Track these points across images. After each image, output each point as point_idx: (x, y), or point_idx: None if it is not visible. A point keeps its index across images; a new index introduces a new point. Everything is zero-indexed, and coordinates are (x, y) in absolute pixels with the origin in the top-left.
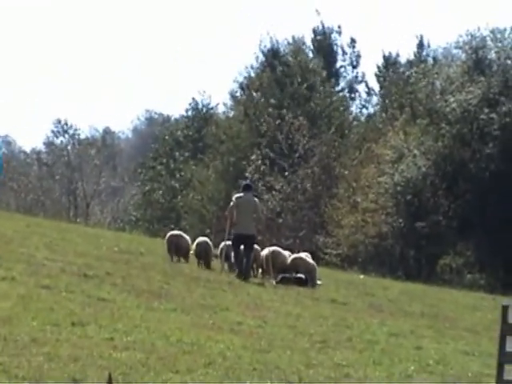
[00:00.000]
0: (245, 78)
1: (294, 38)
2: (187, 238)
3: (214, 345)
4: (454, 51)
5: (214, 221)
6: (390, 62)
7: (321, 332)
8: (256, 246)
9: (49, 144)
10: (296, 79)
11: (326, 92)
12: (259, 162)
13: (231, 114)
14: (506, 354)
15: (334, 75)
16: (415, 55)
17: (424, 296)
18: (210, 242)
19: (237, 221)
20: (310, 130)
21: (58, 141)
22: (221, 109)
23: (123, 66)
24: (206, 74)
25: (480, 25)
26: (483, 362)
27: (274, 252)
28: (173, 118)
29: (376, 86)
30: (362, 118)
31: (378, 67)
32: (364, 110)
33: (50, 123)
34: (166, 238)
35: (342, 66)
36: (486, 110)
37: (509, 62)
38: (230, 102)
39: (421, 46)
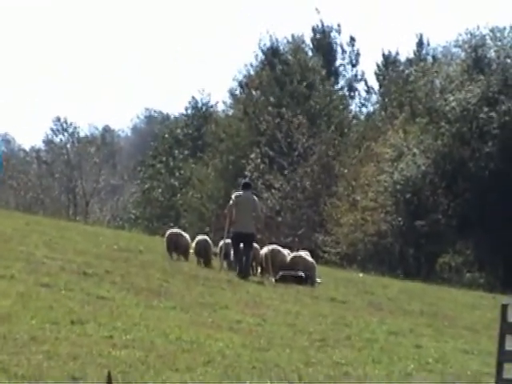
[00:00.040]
0: (244, 76)
1: (293, 36)
2: (187, 236)
3: (214, 343)
4: (454, 50)
5: (213, 219)
6: (389, 61)
7: (320, 330)
8: (255, 245)
9: (48, 142)
10: (295, 78)
11: (325, 90)
12: (259, 160)
13: (231, 112)
14: (506, 352)
15: (334, 74)
16: (415, 54)
17: (423, 294)
18: (209, 241)
19: (236, 219)
20: (310, 128)
21: (57, 139)
22: (220, 107)
23: (123, 65)
24: (206, 73)
25: (479, 23)
26: (482, 360)
27: (273, 250)
28: (172, 117)
29: (375, 85)
30: (362, 117)
31: (378, 66)
32: (363, 109)
33: (50, 121)
34: (166, 236)
35: (341, 65)
36: (486, 109)
37: (508, 60)
38: (229, 101)
39: (420, 44)
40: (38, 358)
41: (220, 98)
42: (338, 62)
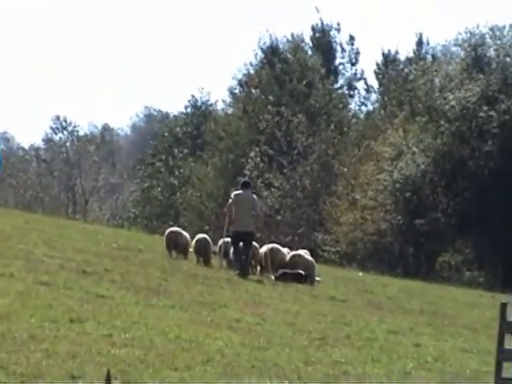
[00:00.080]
0: (244, 75)
1: (293, 35)
2: (186, 234)
3: (213, 342)
4: (453, 49)
5: (212, 218)
6: (389, 60)
7: (319, 329)
8: (254, 243)
9: (47, 140)
10: (295, 76)
11: (325, 89)
12: (258, 159)
13: (230, 110)
14: (505, 351)
15: (333, 72)
16: (414, 53)
17: (423, 293)
18: (209, 239)
19: (235, 218)
20: (309, 127)
21: (56, 137)
22: (220, 106)
23: (122, 63)
24: (205, 71)
25: (479, 22)
26: (482, 359)
27: (272, 249)
28: (172, 115)
29: (375, 84)
30: (361, 116)
31: (377, 64)
32: (363, 108)
33: (49, 120)
34: (165, 234)
35: (341, 64)
36: (485, 108)
37: (508, 59)
38: (228, 99)
39: (420, 43)
40: (36, 357)
41: (219, 96)
42: (337, 61)
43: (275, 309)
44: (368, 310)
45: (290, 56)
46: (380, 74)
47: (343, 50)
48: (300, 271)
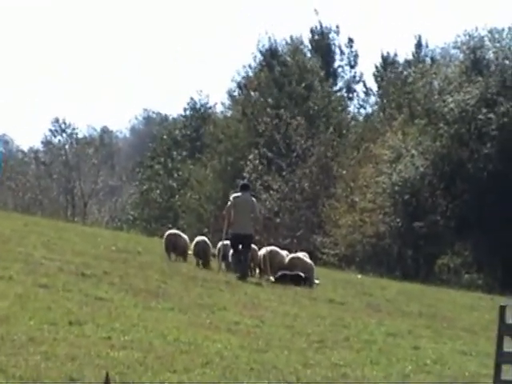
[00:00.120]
0: (243, 77)
1: (291, 37)
2: (185, 237)
3: (212, 344)
4: (452, 51)
5: (211, 220)
6: (388, 62)
7: (318, 332)
8: (253, 246)
9: (47, 143)
10: (294, 79)
11: (323, 92)
12: (257, 161)
13: (229, 113)
14: (504, 354)
15: (332, 75)
16: (413, 55)
17: (422, 296)
18: (208, 242)
19: (234, 220)
20: (308, 129)
21: (55, 140)
22: (219, 108)
23: (121, 66)
24: (204, 74)
25: (478, 25)
26: (481, 361)
27: (271, 252)
28: (171, 118)
29: (374, 86)
30: (360, 118)
31: (376, 67)
32: (362, 110)
33: (48, 122)
34: (164, 236)
35: (339, 66)
36: (484, 110)
37: (507, 62)
38: (227, 102)
39: (419, 45)
40: (35, 359)
41: (218, 99)
42: (336, 64)
43: (274, 311)
44: (367, 312)
45: (288, 58)
46: (379, 76)
47: (342, 53)
48: (299, 273)
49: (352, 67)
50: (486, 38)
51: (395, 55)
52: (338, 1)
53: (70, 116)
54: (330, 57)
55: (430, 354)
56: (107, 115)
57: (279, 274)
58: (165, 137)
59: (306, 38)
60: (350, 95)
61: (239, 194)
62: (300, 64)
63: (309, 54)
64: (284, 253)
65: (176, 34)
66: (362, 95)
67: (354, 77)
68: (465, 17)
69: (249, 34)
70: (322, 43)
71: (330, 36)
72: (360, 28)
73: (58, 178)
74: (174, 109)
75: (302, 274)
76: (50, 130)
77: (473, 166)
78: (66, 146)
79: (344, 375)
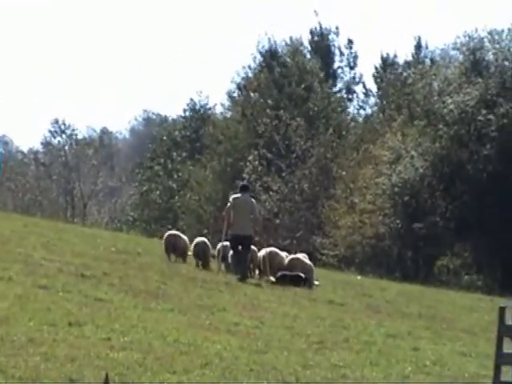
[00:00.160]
0: (242, 78)
1: (291, 38)
2: (185, 238)
3: (211, 345)
4: (452, 52)
5: (211, 221)
6: (387, 63)
7: (318, 333)
8: (253, 247)
9: (46, 144)
10: (294, 80)
11: (323, 93)
12: (256, 162)
13: (229, 114)
14: (503, 355)
15: (332, 76)
16: (413, 56)
17: (421, 297)
18: (208, 243)
19: (234, 221)
20: (308, 130)
21: (55, 141)
22: (218, 109)
23: (121, 66)
24: (204, 75)
25: (478, 26)
26: (480, 363)
27: (271, 253)
28: (170, 119)
29: (374, 87)
30: (360, 119)
31: (376, 68)
32: (362, 111)
33: (48, 123)
34: (164, 237)
35: (339, 67)
36: (484, 112)
37: (506, 63)
38: (227, 103)
39: (418, 47)
40: (35, 360)
41: (218, 100)
42: (336, 65)
43: (274, 312)
44: (366, 313)
45: (288, 60)
46: (378, 77)
47: (342, 54)
48: (299, 273)
49: (352, 68)
50: (485, 40)
51: (395, 56)
52: (337, 2)
53: (69, 117)
54: (330, 58)
55: (429, 355)
56: (107, 116)
57: (279, 274)
58: (164, 138)
59: (306, 39)
60: (350, 96)
61: (239, 195)
62: (300, 65)
63: (308, 55)
64: (283, 254)
65: (176, 34)
66: (361, 96)
67: (354, 78)
68: (464, 18)
69: (249, 35)
70: (322, 44)
71: (330, 37)
72: (360, 29)
73: (58, 179)
74: (174, 110)
75: (302, 275)
76: (50, 131)
77: (472, 167)
78: (66, 147)
79: (343, 376)
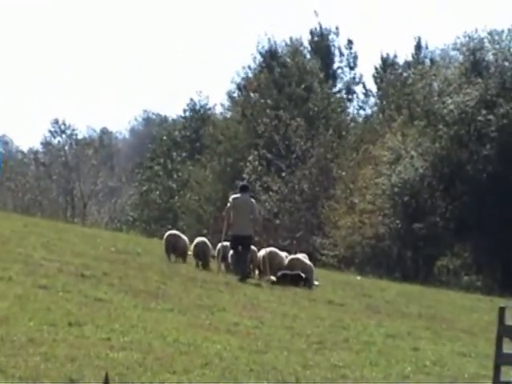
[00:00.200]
0: (242, 78)
1: (291, 39)
2: (185, 238)
3: (211, 345)
4: (452, 53)
5: (211, 221)
6: (387, 64)
7: (318, 333)
8: (253, 247)
9: (46, 144)
10: (293, 80)
11: (323, 93)
12: (256, 162)
13: (229, 114)
14: (503, 355)
15: (332, 76)
16: (413, 57)
17: (421, 297)
18: (208, 243)
19: (234, 222)
20: (308, 131)
21: (55, 141)
22: (218, 109)
23: (121, 66)
24: (204, 75)
25: (478, 26)
26: (480, 363)
27: (270, 253)
28: (170, 119)
29: (374, 88)
30: (360, 120)
31: (376, 68)
32: (361, 112)
33: (48, 123)
34: (164, 237)
35: (339, 67)
36: (484, 112)
37: (506, 63)
38: (227, 103)
39: (418, 47)
40: (35, 360)
41: (218, 100)
42: (336, 65)
43: (273, 312)
44: (366, 313)
45: (288, 60)
46: (378, 77)
47: (342, 54)
48: (300, 273)
49: (351, 69)
50: (485, 40)
51: (395, 57)
52: (337, 2)
53: (69, 117)
54: (330, 58)
55: (429, 355)
56: (107, 116)
57: (280, 273)
58: (164, 138)
59: (306, 39)
60: (350, 97)
61: (238, 195)
62: (300, 65)
63: (308, 56)
64: (283, 254)
65: (176, 34)
66: (361, 97)
67: (354, 78)
68: (464, 18)
69: (248, 35)
70: (322, 44)
71: (330, 37)
72: (360, 29)
73: (58, 179)
74: (174, 110)
75: (303, 275)
76: (50, 131)
77: (472, 168)
78: (66, 147)
79: (343, 376)
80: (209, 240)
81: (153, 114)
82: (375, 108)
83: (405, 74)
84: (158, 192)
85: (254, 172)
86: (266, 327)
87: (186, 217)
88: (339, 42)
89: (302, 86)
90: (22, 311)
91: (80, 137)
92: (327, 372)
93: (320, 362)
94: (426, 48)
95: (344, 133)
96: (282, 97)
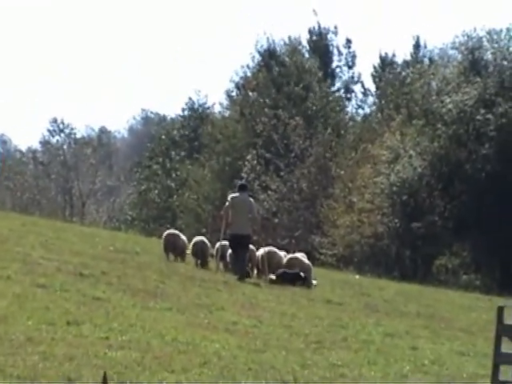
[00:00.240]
0: (241, 77)
1: (290, 38)
2: (184, 237)
3: (210, 344)
4: (451, 52)
5: (209, 220)
6: (386, 63)
7: (316, 332)
8: (251, 246)
9: (45, 143)
10: (292, 79)
11: (322, 92)
12: (255, 161)
13: (227, 113)
14: (502, 354)
15: (330, 75)
16: (411, 56)
17: (420, 296)
18: (206, 242)
19: (232, 221)
20: (306, 130)
21: (53, 140)
22: (217, 108)
23: (119, 66)
24: (203, 74)
25: (476, 26)
26: (478, 362)
27: (269, 252)
28: (169, 118)
29: (372, 87)
30: (358, 119)
31: (375, 67)
32: (360, 111)
33: (46, 122)
34: (163, 236)
35: (338, 67)
36: (482, 111)
37: (505, 62)
38: (226, 102)
39: (417, 46)
40: (33, 359)
41: (217, 99)
42: (334, 64)
43: (272, 311)
44: (365, 312)
45: (287, 59)
46: (377, 77)
47: (340, 53)
48: (299, 272)
49: (350, 68)
50: (484, 39)
51: (393, 56)
52: (336, 1)
53: (68, 116)
54: (328, 57)
55: (427, 354)
56: (105, 115)
57: (279, 271)
58: (163, 137)
59: (304, 38)
60: (348, 96)
61: (237, 194)
62: (298, 64)
63: (307, 55)
64: (282, 253)
65: (175, 34)
66: (360, 96)
67: (352, 77)
68: (463, 18)
69: (247, 35)
70: (320, 44)
71: (328, 36)
72: (358, 28)
73: (56, 178)
74: (172, 109)
75: (302, 274)
76: (48, 130)
77: (471, 167)
78: (64, 146)
79: (342, 375)
80: (207, 239)
81: (151, 113)
82: (374, 107)
83: (403, 73)
84: (156, 191)
85: (253, 171)
86: (265, 326)
87: (185, 216)
88: (338, 41)
89: (301, 85)
90: (20, 310)
91: (79, 136)
92: (326, 371)
93: (318, 361)
94: (425, 47)
95: (343, 132)
96: (280, 96)
